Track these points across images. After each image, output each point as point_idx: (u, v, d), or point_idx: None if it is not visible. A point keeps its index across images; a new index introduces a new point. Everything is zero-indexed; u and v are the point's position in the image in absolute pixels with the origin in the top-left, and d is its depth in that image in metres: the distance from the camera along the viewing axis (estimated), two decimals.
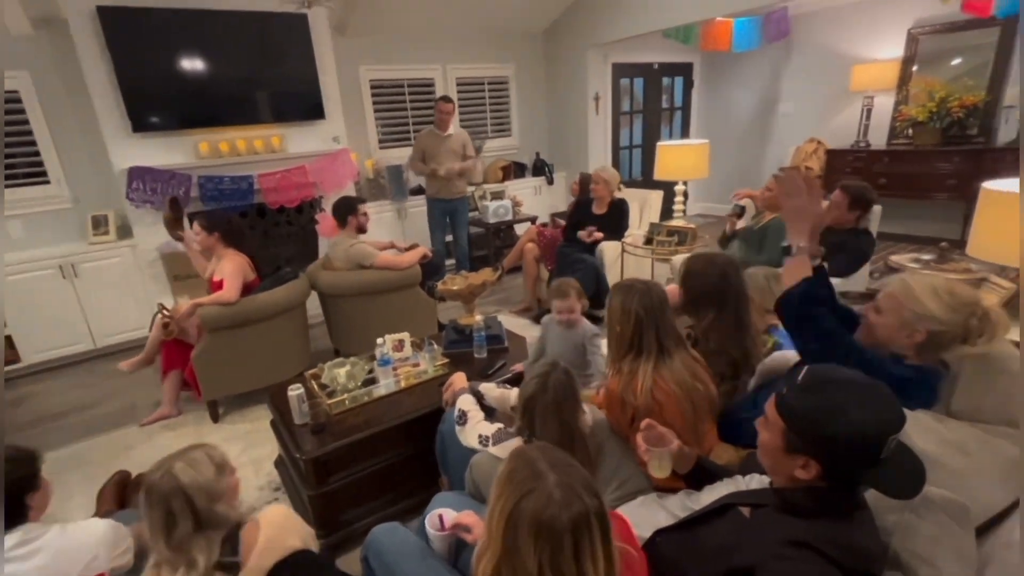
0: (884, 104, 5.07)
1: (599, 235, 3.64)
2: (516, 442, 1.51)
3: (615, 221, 3.74)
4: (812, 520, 0.96)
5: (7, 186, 3.64)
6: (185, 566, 1.10)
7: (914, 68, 4.85)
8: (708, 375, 1.57)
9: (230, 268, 2.78)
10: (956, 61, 4.67)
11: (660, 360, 1.50)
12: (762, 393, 1.83)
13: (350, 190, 4.46)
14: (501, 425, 1.64)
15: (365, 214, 3.28)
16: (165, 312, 2.82)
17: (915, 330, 1.34)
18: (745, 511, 1.09)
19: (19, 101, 3.57)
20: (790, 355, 1.93)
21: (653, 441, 1.31)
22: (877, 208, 2.87)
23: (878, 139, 5.16)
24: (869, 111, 5.09)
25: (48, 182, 3.77)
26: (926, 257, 2.52)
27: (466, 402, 1.73)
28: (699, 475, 1.39)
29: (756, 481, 1.21)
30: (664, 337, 1.51)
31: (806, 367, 1.02)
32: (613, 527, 0.86)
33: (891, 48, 4.96)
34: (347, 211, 3.21)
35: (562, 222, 4.05)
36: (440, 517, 1.34)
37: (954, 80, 4.63)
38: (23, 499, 1.26)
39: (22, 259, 3.47)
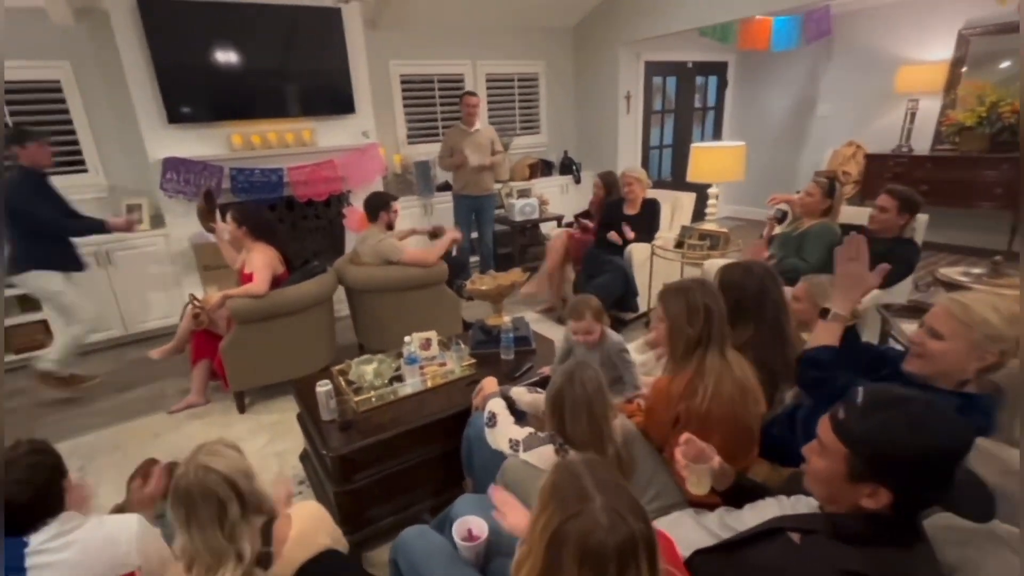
0: (929, 108, 4.87)
1: (632, 234, 3.56)
2: (548, 449, 1.47)
3: (647, 221, 3.66)
4: (869, 549, 0.91)
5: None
6: (235, 558, 1.11)
7: (963, 70, 4.65)
8: (752, 370, 1.51)
9: (260, 261, 2.79)
10: (1007, 63, 4.46)
11: (722, 350, 1.47)
12: (800, 410, 1.77)
13: (378, 185, 4.46)
14: (532, 430, 1.60)
15: (396, 211, 3.27)
16: (196, 303, 2.85)
17: (987, 352, 1.26)
18: (794, 536, 1.03)
19: (60, 91, 3.65)
20: None
21: (692, 456, 1.26)
22: (923, 217, 2.75)
23: (921, 144, 4.97)
24: (913, 115, 4.90)
25: (86, 170, 3.85)
26: (977, 271, 2.40)
27: (496, 405, 1.70)
28: (738, 492, 1.33)
29: (804, 504, 1.15)
30: (725, 325, 1.48)
31: (861, 388, 0.96)
32: (659, 549, 0.82)
33: (940, 49, 4.76)
34: (380, 206, 3.21)
35: (586, 223, 3.98)
36: (469, 531, 1.31)
37: (1005, 84, 4.42)
38: (60, 484, 1.27)
39: None
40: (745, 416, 1.45)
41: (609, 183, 3.97)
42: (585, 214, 4.24)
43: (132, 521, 1.28)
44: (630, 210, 3.72)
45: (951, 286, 2.37)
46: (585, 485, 0.83)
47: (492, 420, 1.66)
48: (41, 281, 2.98)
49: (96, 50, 3.67)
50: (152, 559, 1.29)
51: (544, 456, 1.47)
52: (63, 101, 3.67)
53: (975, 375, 1.28)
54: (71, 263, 3.10)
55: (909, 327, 2.09)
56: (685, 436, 1.28)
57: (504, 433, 1.60)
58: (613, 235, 3.59)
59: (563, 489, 0.84)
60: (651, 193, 3.85)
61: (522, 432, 1.57)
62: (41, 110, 3.63)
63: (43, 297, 3.16)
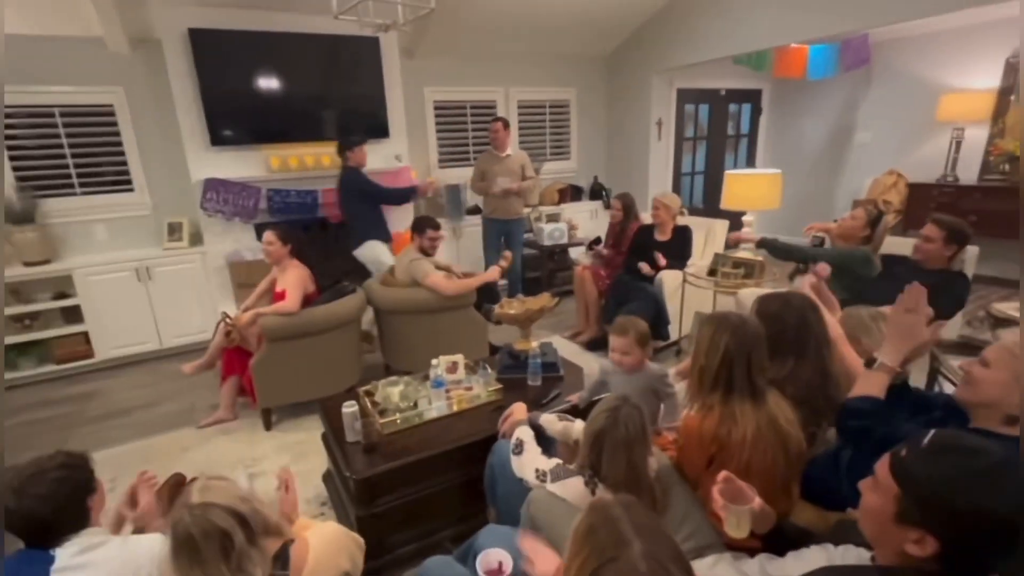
0: (976, 137, 4.72)
1: (664, 262, 3.50)
2: (576, 481, 1.42)
3: (679, 248, 3.60)
4: None
5: (96, 192, 3.90)
6: None
7: (1012, 99, 4.50)
8: (799, 423, 1.43)
9: (293, 280, 2.83)
10: None
11: (756, 401, 1.39)
12: (845, 451, 1.67)
13: (408, 208, 4.52)
14: (559, 461, 1.55)
15: (432, 238, 3.29)
16: (228, 320, 2.90)
17: None
18: None
19: (112, 115, 3.83)
20: None
21: (730, 496, 1.19)
22: (973, 248, 2.63)
23: (968, 174, 4.80)
24: (959, 143, 4.74)
25: (132, 190, 4.00)
26: None
27: (524, 433, 1.65)
28: (779, 538, 1.25)
29: (853, 555, 1.06)
30: (757, 376, 1.40)
31: (932, 431, 0.89)
32: None
33: (986, 77, 4.63)
34: (416, 228, 3.28)
35: (600, 250, 3.93)
36: (500, 564, 1.26)
37: None
38: (85, 503, 1.27)
39: (104, 260, 3.70)
40: (785, 464, 1.38)
41: (627, 204, 3.91)
42: (596, 241, 4.19)
43: (156, 542, 1.27)
44: (661, 236, 3.67)
45: (1005, 322, 2.23)
46: (623, 529, 0.78)
47: (519, 448, 1.61)
48: (377, 251, 3.74)
49: (147, 76, 3.86)
50: None
51: (572, 489, 1.42)
52: (115, 124, 3.85)
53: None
54: (388, 235, 3.90)
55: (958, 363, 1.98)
56: (724, 475, 1.21)
57: (531, 463, 1.55)
58: (644, 267, 3.52)
59: (599, 533, 0.79)
60: (684, 220, 3.80)
61: (550, 463, 1.52)
62: (94, 132, 3.82)
63: (375, 266, 3.71)
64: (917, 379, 2.35)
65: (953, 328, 2.66)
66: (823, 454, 1.61)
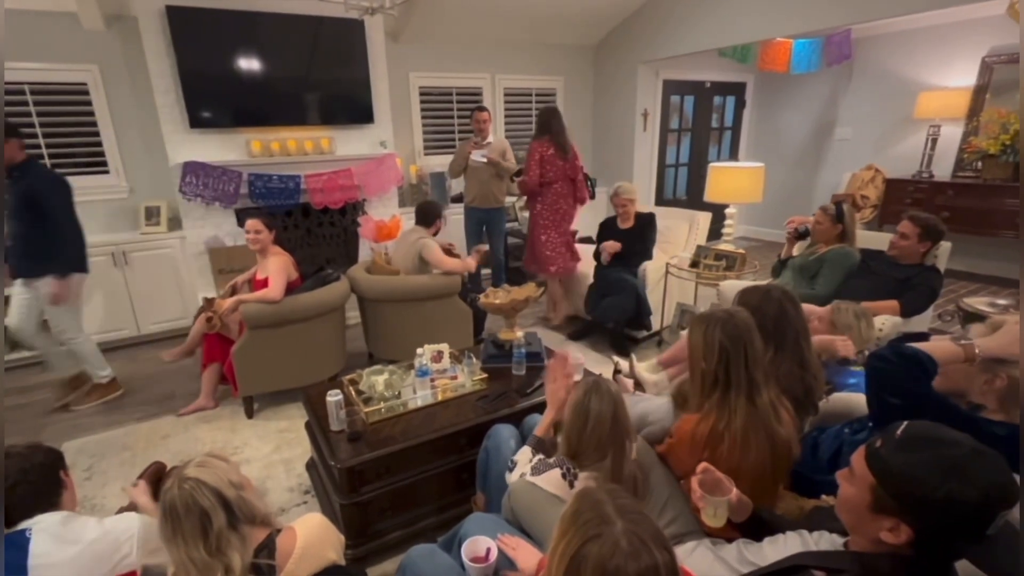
0: (951, 134, 4.83)
1: (611, 249, 3.50)
2: (555, 473, 1.45)
3: (641, 235, 3.60)
4: None
5: (70, 173, 3.78)
6: (223, 571, 1.08)
7: (987, 97, 4.61)
8: (791, 417, 1.46)
9: (276, 266, 2.80)
10: None
11: (752, 397, 1.39)
12: (821, 436, 1.72)
13: (393, 195, 4.49)
14: (541, 456, 1.59)
15: (439, 227, 3.45)
16: (209, 306, 2.86)
17: (995, 375, 1.24)
18: (818, 575, 0.99)
19: (87, 93, 3.71)
20: (854, 399, 1.82)
21: (709, 487, 1.22)
22: (947, 244, 2.70)
23: (942, 170, 4.92)
24: (935, 140, 4.85)
25: (107, 172, 3.90)
26: (1003, 301, 2.35)
27: (519, 454, 1.63)
28: (757, 525, 1.29)
29: (827, 540, 1.10)
30: (754, 369, 1.41)
31: (905, 422, 0.93)
32: None
33: (962, 76, 4.73)
34: (436, 214, 3.40)
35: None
36: (488, 550, 1.28)
37: None
38: (58, 474, 1.29)
39: None
40: (773, 466, 1.40)
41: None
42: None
43: (134, 521, 1.27)
44: (623, 224, 3.66)
45: (975, 316, 2.31)
46: (606, 511, 0.81)
47: (512, 466, 1.61)
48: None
49: (123, 55, 3.74)
50: (159, 555, 1.30)
51: (552, 480, 1.45)
52: (89, 103, 3.73)
53: (995, 399, 1.25)
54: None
55: None
56: (703, 466, 1.24)
57: (518, 471, 1.56)
58: (604, 253, 3.55)
59: (584, 515, 0.82)
60: (665, 212, 3.82)
61: (531, 462, 1.54)
62: (67, 111, 3.69)
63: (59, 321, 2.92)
64: None
65: (924, 321, 2.74)
66: (800, 441, 1.66)
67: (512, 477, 1.57)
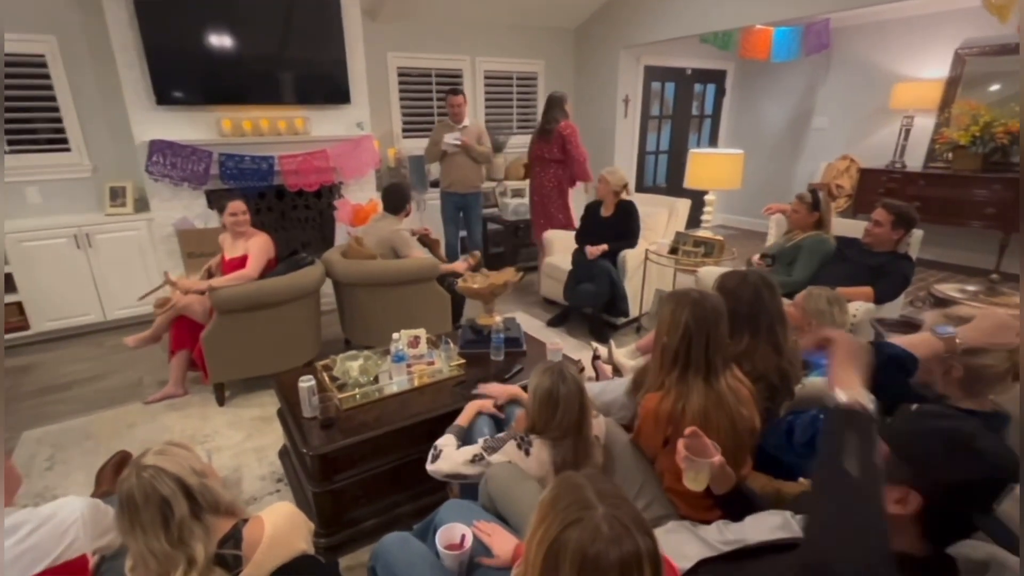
0: (924, 125, 4.91)
1: (596, 250, 3.49)
2: (510, 445, 1.49)
3: (621, 224, 3.58)
4: None
5: (28, 151, 3.61)
6: (185, 562, 1.04)
7: (959, 90, 4.69)
8: (753, 400, 1.47)
9: (258, 246, 2.77)
10: (996, 86, 4.51)
11: (709, 380, 1.41)
12: (796, 421, 1.73)
13: (371, 178, 4.39)
14: (485, 436, 1.60)
15: (409, 212, 3.36)
16: (171, 282, 2.76)
17: (951, 365, 1.25)
18: None
19: (44, 66, 3.52)
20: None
21: (696, 451, 1.24)
22: (919, 232, 2.75)
23: (914, 161, 5.01)
24: (908, 131, 4.93)
25: (68, 150, 3.72)
26: (972, 288, 2.40)
27: (442, 440, 1.63)
28: (738, 502, 1.30)
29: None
30: (713, 354, 1.42)
31: (916, 405, 0.95)
32: (664, 568, 0.78)
33: (936, 67, 4.80)
34: (405, 199, 3.29)
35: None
36: (463, 536, 1.26)
37: (1000, 104, 4.46)
38: None
39: (38, 225, 3.44)
40: (734, 443, 1.41)
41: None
42: None
43: (77, 505, 1.21)
44: (605, 212, 3.66)
45: (946, 302, 2.36)
46: (586, 495, 0.79)
47: (436, 455, 1.59)
48: None
49: (84, 26, 3.56)
50: (110, 535, 1.26)
51: (508, 452, 1.48)
52: (47, 76, 3.55)
53: (957, 388, 1.27)
54: None
55: (901, 342, 2.08)
56: (691, 429, 1.26)
57: (453, 457, 1.54)
58: (590, 250, 3.52)
59: (563, 499, 0.80)
60: (645, 199, 3.81)
61: (476, 446, 1.54)
62: (23, 84, 3.50)
63: None
64: None
65: (895, 307, 2.79)
66: (774, 425, 1.67)
67: (443, 462, 1.56)
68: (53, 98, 3.60)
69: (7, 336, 3.46)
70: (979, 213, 4.50)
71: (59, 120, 3.65)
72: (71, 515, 1.19)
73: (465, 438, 1.74)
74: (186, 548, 1.05)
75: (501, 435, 1.55)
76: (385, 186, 3.38)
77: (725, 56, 5.94)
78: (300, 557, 1.20)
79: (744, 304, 1.65)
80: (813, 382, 1.85)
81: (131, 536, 1.04)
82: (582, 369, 2.35)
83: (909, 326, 2.44)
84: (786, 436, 1.67)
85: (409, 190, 3.38)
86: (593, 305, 3.53)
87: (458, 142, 4.14)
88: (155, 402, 2.82)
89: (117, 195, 3.75)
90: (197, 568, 1.04)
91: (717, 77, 6.40)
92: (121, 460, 2.12)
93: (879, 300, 2.52)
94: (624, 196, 3.62)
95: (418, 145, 4.95)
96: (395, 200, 3.27)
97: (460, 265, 3.32)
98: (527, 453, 1.47)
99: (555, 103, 4.07)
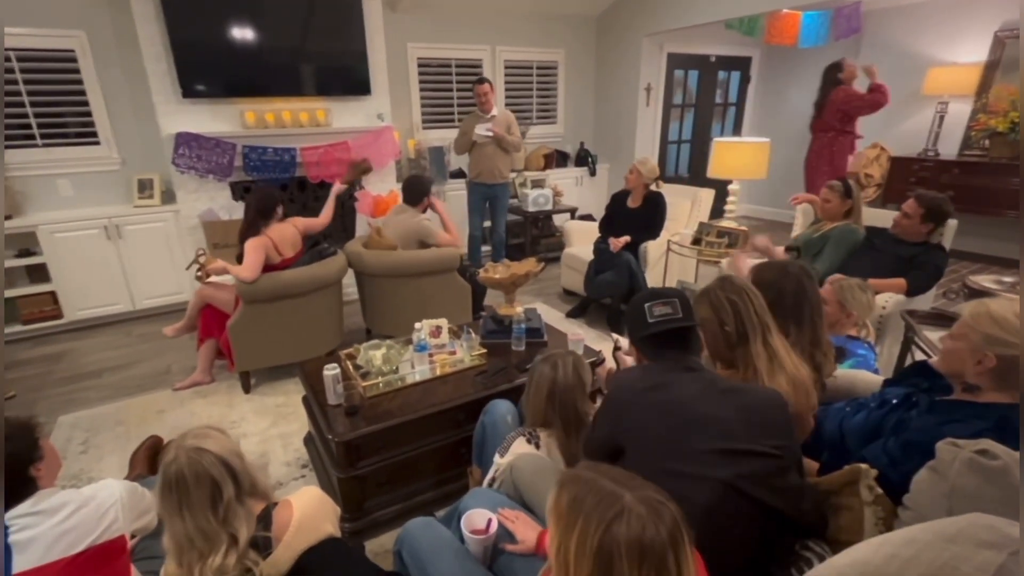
0: (959, 111, 4.73)
1: (619, 242, 3.45)
2: (519, 442, 1.52)
3: (648, 216, 3.54)
4: None
5: (59, 144, 3.70)
6: (228, 541, 1.07)
7: (997, 74, 4.51)
8: (807, 366, 1.47)
9: (251, 245, 2.68)
10: None
11: (766, 339, 1.41)
12: (825, 414, 1.69)
13: (391, 169, 4.40)
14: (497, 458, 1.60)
15: (431, 203, 3.36)
16: (200, 258, 2.81)
17: (984, 355, 1.21)
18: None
19: (74, 60, 3.60)
20: (857, 376, 1.79)
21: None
22: (952, 222, 2.66)
23: (948, 148, 4.84)
24: (942, 118, 4.76)
25: (98, 143, 3.81)
26: (1009, 279, 2.31)
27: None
28: None
29: None
30: (763, 314, 1.42)
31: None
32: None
33: (973, 51, 4.62)
34: (425, 191, 3.29)
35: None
36: (489, 521, 1.27)
37: None
38: (27, 472, 1.20)
39: (69, 217, 3.54)
40: (799, 411, 1.38)
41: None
42: None
43: (116, 486, 1.24)
44: (632, 203, 3.62)
45: (981, 294, 2.28)
46: (608, 487, 0.76)
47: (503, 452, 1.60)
48: None
49: (112, 21, 3.62)
50: (148, 517, 1.31)
51: (520, 448, 1.52)
52: (77, 71, 3.63)
53: (988, 380, 1.22)
54: None
55: (933, 335, 2.02)
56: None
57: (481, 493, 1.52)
58: (613, 242, 3.49)
59: (586, 500, 0.76)
60: (668, 189, 3.75)
61: (491, 469, 1.57)
62: (54, 79, 3.59)
63: None
64: (891, 349, 2.41)
65: (927, 300, 2.72)
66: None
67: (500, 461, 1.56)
68: (83, 92, 3.68)
69: (43, 324, 3.57)
70: (1015, 202, 4.34)
71: (89, 114, 3.73)
72: (110, 497, 1.22)
73: (486, 430, 1.78)
74: (230, 528, 1.08)
75: (511, 434, 1.58)
76: (406, 178, 3.40)
77: (750, 42, 5.80)
78: (327, 540, 1.22)
79: (789, 296, 1.60)
80: (845, 373, 1.81)
81: (178, 516, 1.06)
82: (602, 361, 2.33)
83: (941, 318, 2.37)
84: (815, 432, 1.64)
85: (430, 183, 3.38)
86: (612, 296, 3.50)
87: (490, 133, 4.12)
88: (183, 389, 2.89)
89: (145, 187, 3.83)
90: (239, 549, 1.07)
91: (742, 64, 6.26)
92: (153, 444, 2.18)
93: (912, 292, 2.45)
94: (654, 188, 3.58)
95: (439, 136, 4.95)
96: (414, 191, 3.27)
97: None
98: (537, 447, 1.48)
99: (826, 74, 4.47)
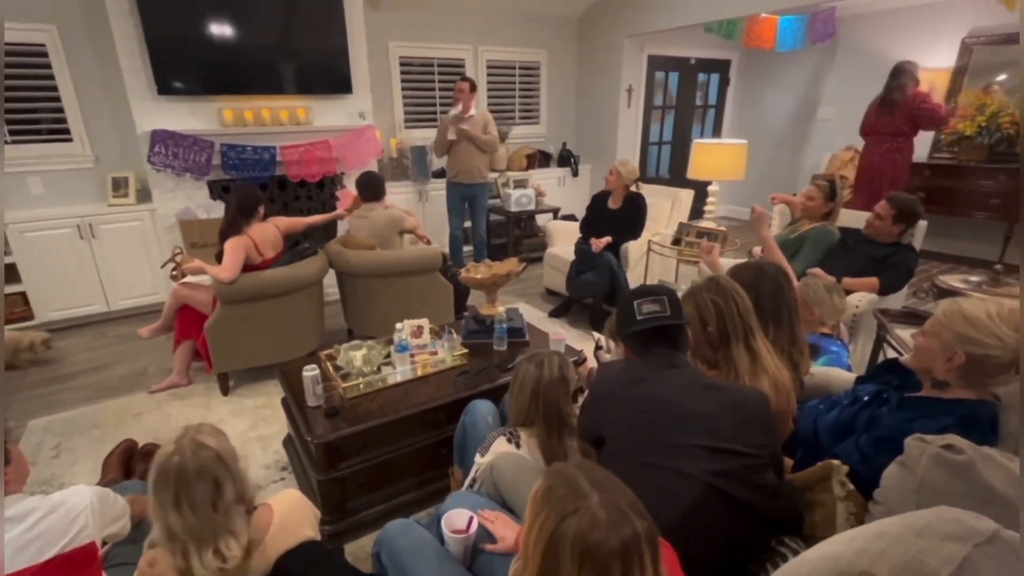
0: None
1: (601, 242, 3.48)
2: (500, 442, 1.54)
3: (630, 216, 3.58)
4: None
5: (30, 141, 3.61)
6: (224, 543, 1.06)
7: (965, 79, 4.64)
8: (788, 367, 1.50)
9: (230, 243, 2.64)
10: (1003, 75, 4.46)
11: (748, 343, 1.44)
12: (803, 409, 1.73)
13: (373, 168, 4.37)
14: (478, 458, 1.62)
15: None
16: (176, 257, 2.76)
17: (955, 353, 1.25)
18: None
19: (45, 55, 3.51)
20: (832, 373, 1.83)
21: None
22: (923, 223, 2.73)
23: (919, 151, 4.94)
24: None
25: (71, 140, 3.72)
26: (975, 279, 2.39)
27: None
28: None
29: None
30: (748, 317, 1.45)
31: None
32: (661, 549, 0.78)
33: (943, 57, 4.75)
34: (382, 186, 3.26)
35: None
36: (471, 519, 1.28)
37: (1008, 94, 4.42)
38: None
39: (41, 216, 3.45)
40: (779, 414, 1.41)
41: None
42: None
43: (86, 491, 1.21)
44: (613, 204, 3.66)
45: (950, 293, 2.35)
46: (580, 484, 0.79)
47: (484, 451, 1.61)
48: None
49: (84, 15, 3.54)
50: (120, 523, 1.28)
51: (500, 447, 1.53)
52: (48, 67, 3.53)
53: (956, 377, 1.26)
54: None
55: (904, 333, 2.08)
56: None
57: (461, 497, 1.51)
58: (595, 242, 3.52)
59: (557, 491, 0.79)
60: (648, 190, 3.79)
61: (472, 470, 1.58)
62: (24, 74, 3.50)
63: None
64: (864, 347, 2.47)
65: (899, 299, 2.79)
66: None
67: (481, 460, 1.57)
68: (55, 88, 3.59)
69: (14, 326, 3.48)
70: (984, 204, 4.47)
71: (61, 110, 3.64)
72: (80, 503, 1.19)
73: (467, 431, 1.78)
74: (227, 527, 1.07)
75: (492, 434, 1.60)
76: (359, 179, 3.23)
77: (729, 45, 5.89)
78: (306, 543, 1.22)
79: (767, 296, 1.63)
80: (820, 371, 1.85)
81: (174, 510, 1.04)
82: (584, 360, 2.35)
83: (912, 317, 2.44)
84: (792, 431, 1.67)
85: (383, 178, 3.32)
86: (594, 295, 3.53)
87: (463, 126, 4.11)
88: (160, 391, 2.84)
89: (119, 185, 3.75)
90: (241, 544, 1.07)
91: (721, 67, 6.35)
92: (127, 448, 2.13)
93: (884, 291, 2.52)
94: (634, 189, 3.61)
95: (420, 135, 4.93)
96: (375, 187, 3.21)
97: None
98: (517, 445, 1.50)
99: (901, 71, 3.98)
